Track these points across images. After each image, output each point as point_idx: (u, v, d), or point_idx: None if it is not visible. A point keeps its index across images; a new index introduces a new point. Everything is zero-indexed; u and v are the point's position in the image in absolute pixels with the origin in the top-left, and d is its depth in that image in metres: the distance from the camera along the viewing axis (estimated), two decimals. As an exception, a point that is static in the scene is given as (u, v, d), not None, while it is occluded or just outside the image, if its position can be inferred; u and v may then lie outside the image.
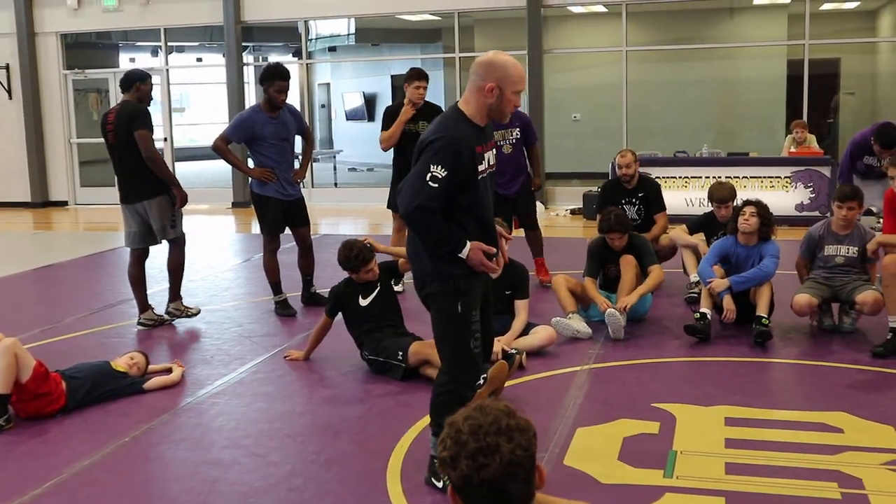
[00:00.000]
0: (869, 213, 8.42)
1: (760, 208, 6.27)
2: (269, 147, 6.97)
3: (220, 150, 7.04)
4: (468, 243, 3.63)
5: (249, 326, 6.83)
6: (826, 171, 11.18)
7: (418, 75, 7.45)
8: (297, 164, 7.37)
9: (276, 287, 7.20)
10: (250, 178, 7.12)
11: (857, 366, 5.44)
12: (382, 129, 7.50)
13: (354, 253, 5.55)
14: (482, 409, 1.95)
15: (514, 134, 7.70)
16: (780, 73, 15.40)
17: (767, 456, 4.10)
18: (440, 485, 3.78)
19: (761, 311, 5.95)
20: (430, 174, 3.53)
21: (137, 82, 6.60)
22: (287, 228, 7.27)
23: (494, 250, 3.75)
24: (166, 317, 6.91)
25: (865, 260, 6.18)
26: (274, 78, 6.87)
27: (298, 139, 7.45)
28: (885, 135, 7.53)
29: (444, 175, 3.52)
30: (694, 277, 7.03)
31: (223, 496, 3.85)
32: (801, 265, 6.46)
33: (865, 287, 5.97)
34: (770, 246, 6.23)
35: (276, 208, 7.07)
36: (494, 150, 3.86)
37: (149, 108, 6.74)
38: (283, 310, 7.14)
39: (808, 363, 5.60)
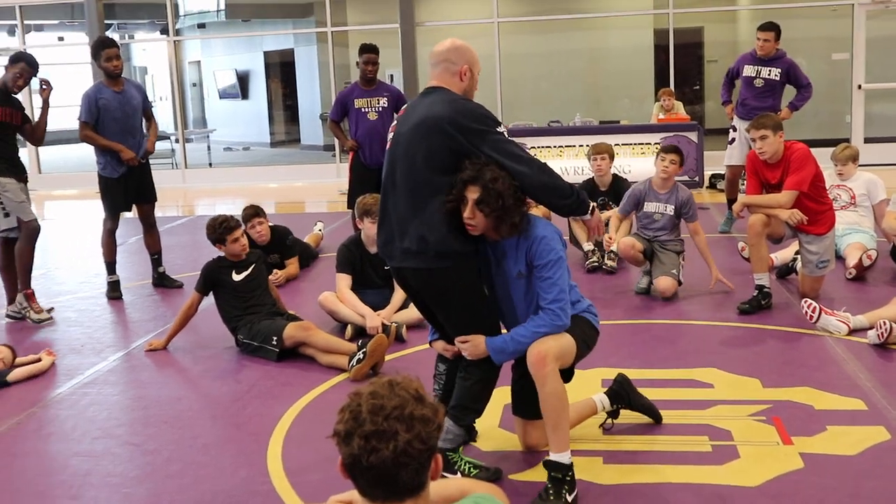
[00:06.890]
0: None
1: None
2: (112, 122, 6.78)
3: (88, 138, 6.80)
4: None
5: (122, 312, 6.60)
6: (693, 136, 11.52)
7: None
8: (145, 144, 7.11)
9: (110, 267, 7.06)
10: (99, 161, 6.91)
11: (726, 323, 5.64)
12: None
13: (220, 221, 5.50)
14: (392, 387, 1.86)
15: (380, 102, 7.68)
16: (647, 42, 15.77)
17: (642, 415, 4.21)
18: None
19: None
20: (507, 139, 3.51)
21: (8, 64, 6.33)
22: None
23: None
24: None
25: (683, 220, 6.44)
26: (100, 48, 6.77)
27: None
28: (764, 23, 8.28)
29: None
30: (587, 246, 7.14)
31: (95, 488, 3.71)
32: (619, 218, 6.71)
33: (664, 269, 6.25)
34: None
35: (115, 188, 6.92)
36: None
37: (14, 93, 6.38)
38: (112, 292, 6.99)
39: (681, 322, 5.77)
